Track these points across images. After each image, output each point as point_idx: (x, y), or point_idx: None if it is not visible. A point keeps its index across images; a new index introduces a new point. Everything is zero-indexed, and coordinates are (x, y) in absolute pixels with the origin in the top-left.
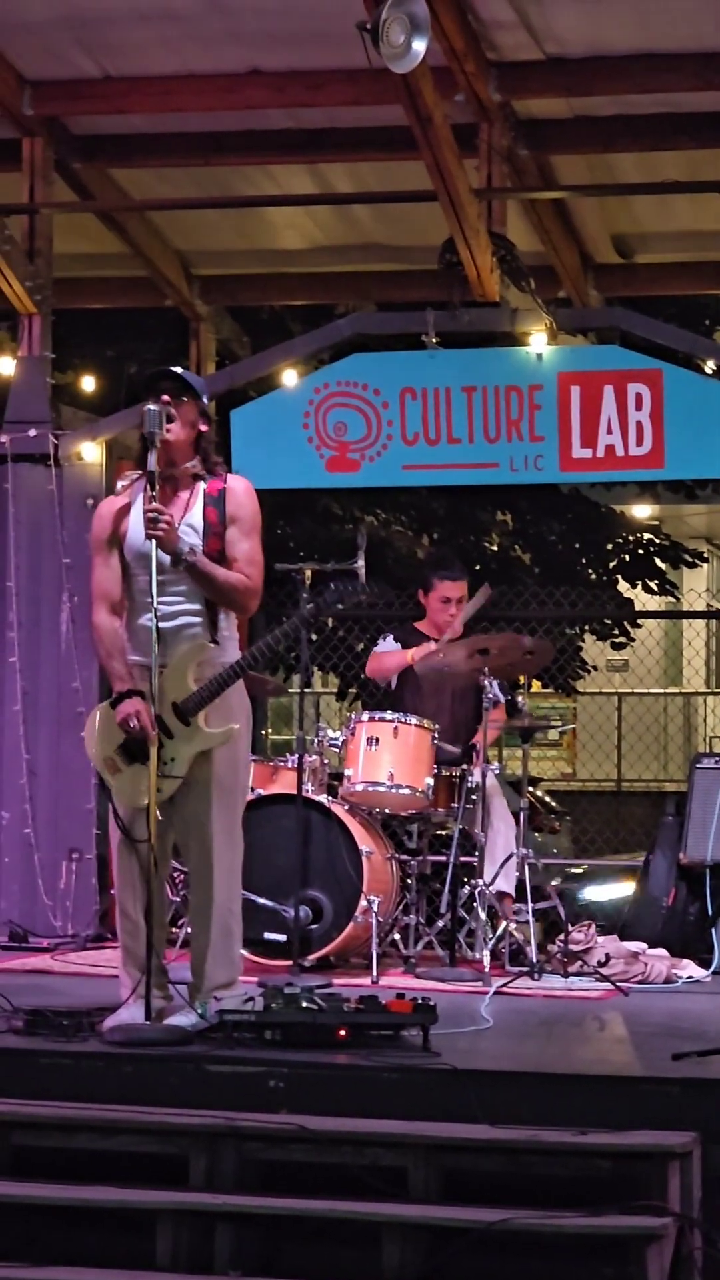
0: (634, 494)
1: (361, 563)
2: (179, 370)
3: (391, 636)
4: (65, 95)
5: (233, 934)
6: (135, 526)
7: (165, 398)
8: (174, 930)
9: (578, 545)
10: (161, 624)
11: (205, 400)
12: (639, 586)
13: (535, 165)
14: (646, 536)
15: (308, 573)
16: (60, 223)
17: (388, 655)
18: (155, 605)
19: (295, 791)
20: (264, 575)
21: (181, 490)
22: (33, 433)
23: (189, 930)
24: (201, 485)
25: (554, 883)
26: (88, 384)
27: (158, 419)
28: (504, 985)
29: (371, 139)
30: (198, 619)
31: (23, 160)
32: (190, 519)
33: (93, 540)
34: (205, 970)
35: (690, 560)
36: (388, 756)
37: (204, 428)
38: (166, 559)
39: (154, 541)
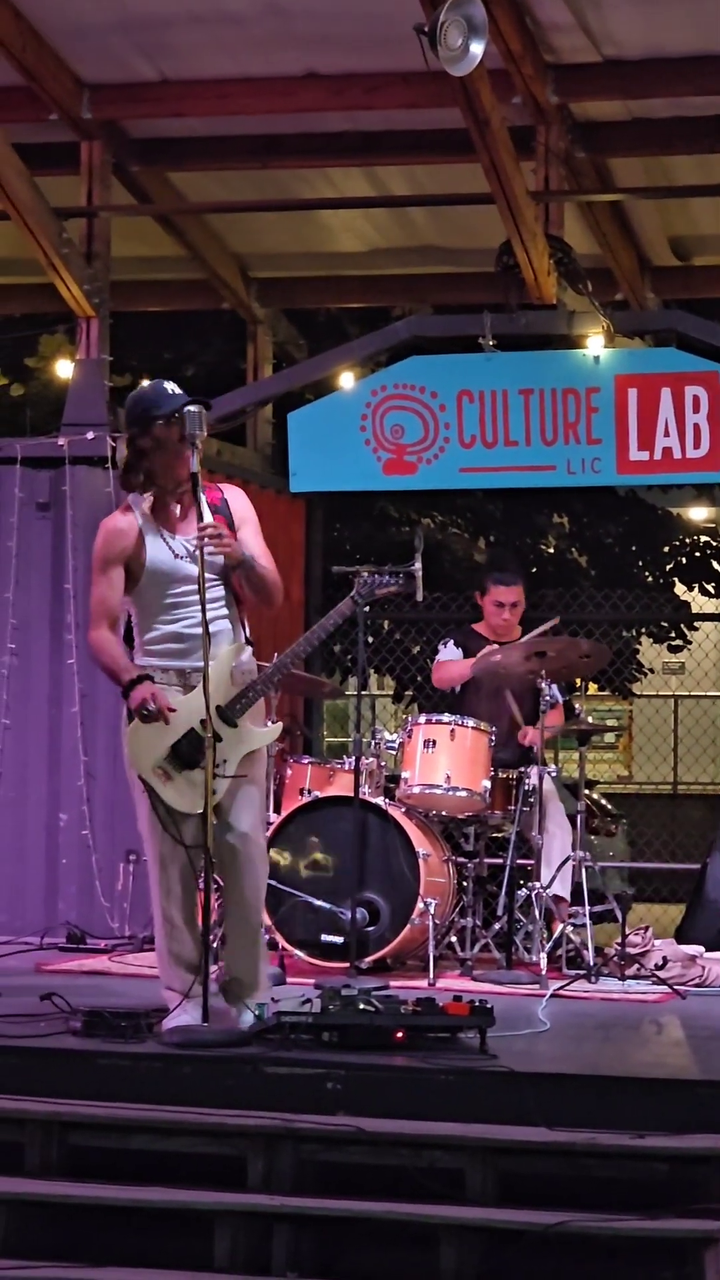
0: (691, 496)
1: (418, 565)
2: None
3: (452, 642)
4: (123, 98)
5: (262, 928)
6: (154, 543)
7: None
8: None
9: (634, 548)
10: (196, 630)
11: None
12: (696, 589)
13: (592, 168)
14: (703, 539)
15: (364, 575)
16: (118, 226)
17: (452, 665)
18: (202, 611)
19: (352, 794)
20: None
21: (187, 506)
22: (91, 435)
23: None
24: (200, 496)
25: None
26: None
27: (198, 420)
28: (561, 988)
29: (428, 142)
30: (227, 623)
31: (81, 164)
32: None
33: (99, 557)
34: (258, 967)
35: None
36: (444, 759)
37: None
38: (193, 569)
39: (199, 554)
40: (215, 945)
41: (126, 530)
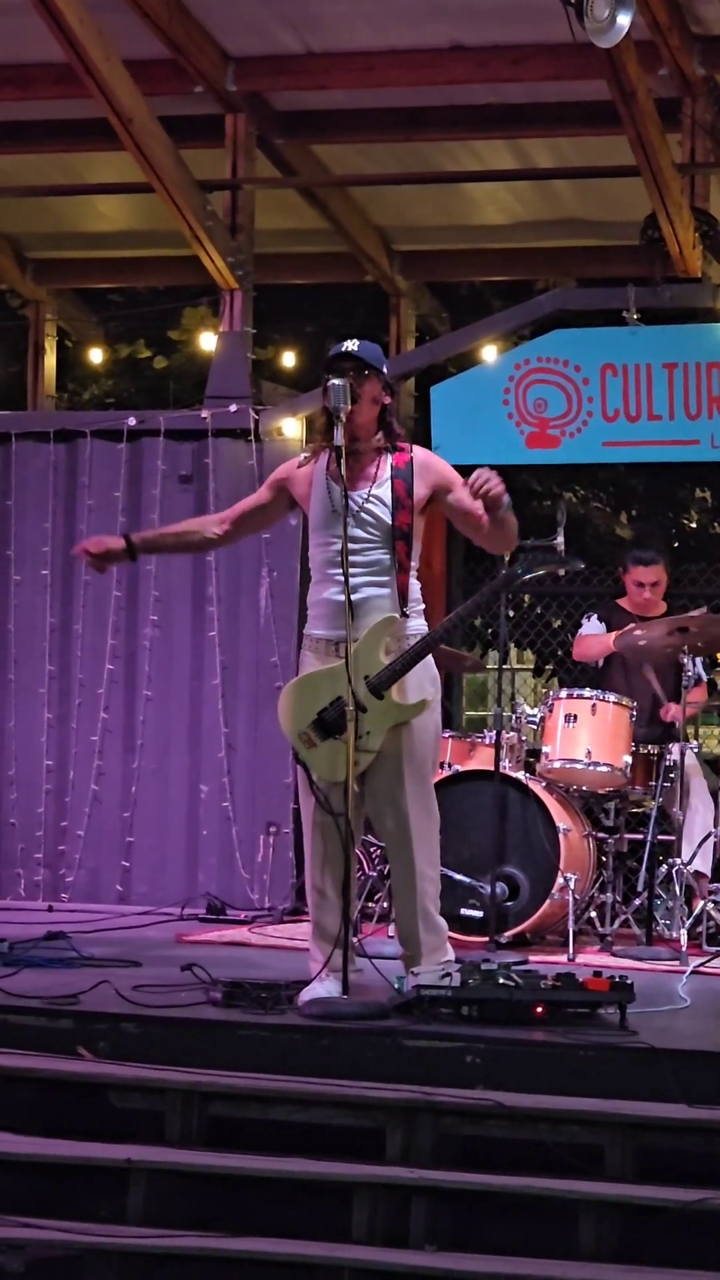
0: None
1: (561, 539)
2: (354, 349)
3: (595, 616)
4: (268, 71)
5: (436, 901)
6: (317, 499)
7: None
8: (369, 905)
9: None
10: (342, 597)
11: (385, 372)
12: None
13: None
14: None
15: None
16: (262, 198)
17: (593, 640)
18: (344, 568)
19: (493, 768)
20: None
21: (367, 465)
22: (234, 408)
23: (388, 904)
24: (387, 458)
25: None
26: (288, 360)
27: (342, 394)
28: (701, 965)
29: (573, 114)
30: (385, 590)
31: (225, 136)
32: (378, 492)
33: (270, 477)
34: (420, 938)
35: None
36: (585, 734)
37: (387, 401)
38: (358, 530)
39: (343, 515)
40: (356, 917)
41: (291, 465)
